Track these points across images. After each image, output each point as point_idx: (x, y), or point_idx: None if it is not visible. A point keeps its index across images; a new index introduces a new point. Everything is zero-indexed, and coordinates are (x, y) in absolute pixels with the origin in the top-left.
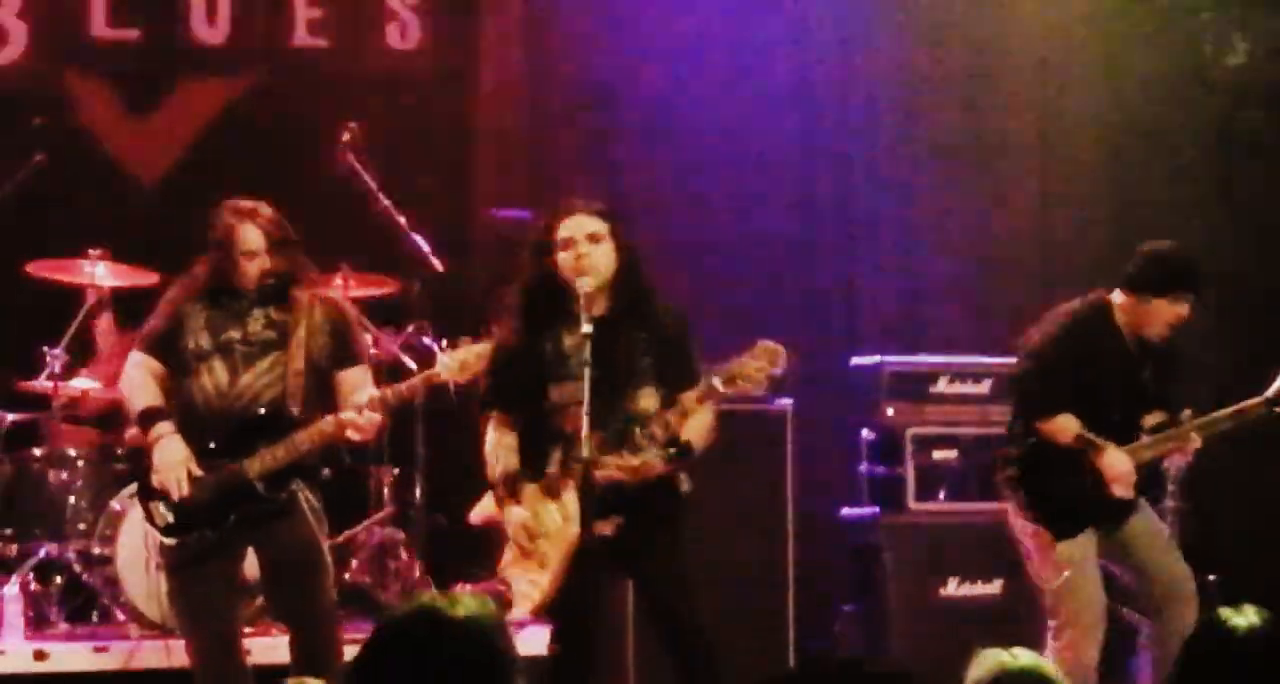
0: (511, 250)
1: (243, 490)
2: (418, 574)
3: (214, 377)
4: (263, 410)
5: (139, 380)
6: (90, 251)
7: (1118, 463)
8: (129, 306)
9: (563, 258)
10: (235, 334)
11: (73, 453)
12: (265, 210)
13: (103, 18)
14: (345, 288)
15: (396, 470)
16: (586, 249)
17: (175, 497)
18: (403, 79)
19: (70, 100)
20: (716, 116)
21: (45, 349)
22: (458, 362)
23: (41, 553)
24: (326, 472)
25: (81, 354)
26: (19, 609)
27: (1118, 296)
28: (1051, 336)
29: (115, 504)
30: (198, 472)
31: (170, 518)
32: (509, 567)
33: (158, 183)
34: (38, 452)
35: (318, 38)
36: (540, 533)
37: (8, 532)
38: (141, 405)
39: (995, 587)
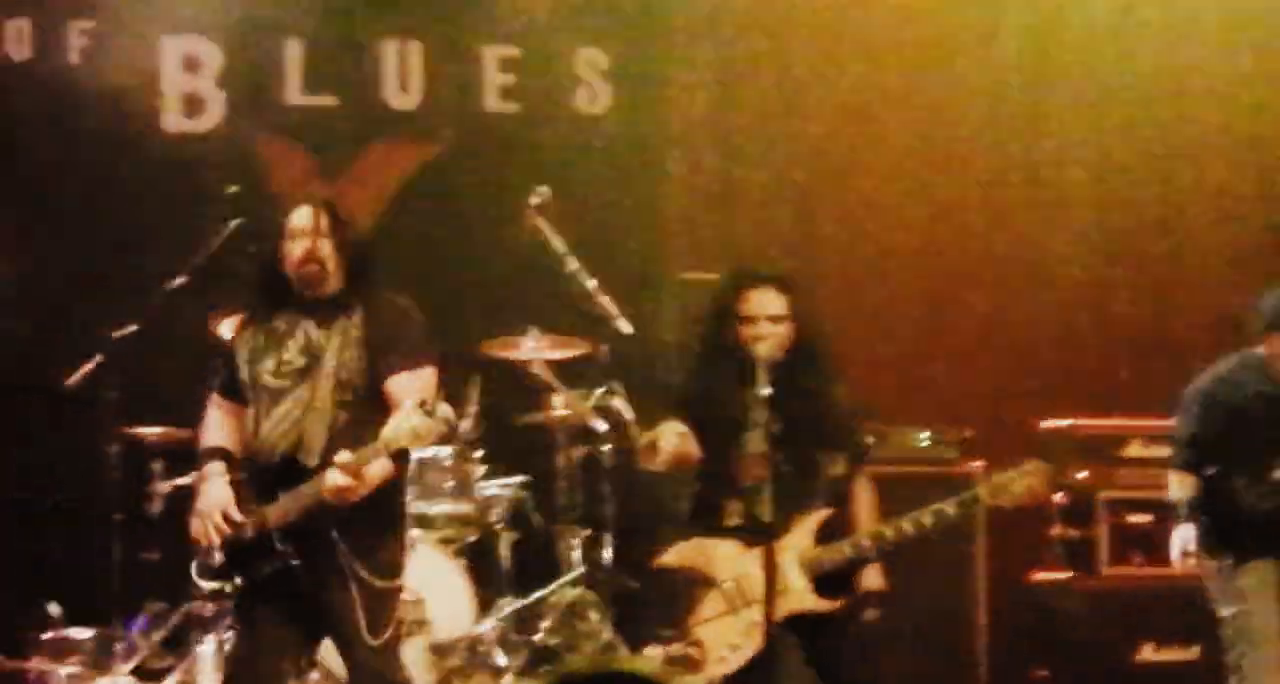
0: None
1: (266, 543)
2: (607, 635)
3: (246, 422)
4: (277, 461)
5: (209, 419)
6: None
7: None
8: None
9: (743, 332)
10: (270, 364)
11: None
12: (324, 194)
13: (298, 85)
14: (535, 350)
15: (586, 531)
16: (767, 330)
17: (202, 541)
18: (593, 143)
19: (264, 167)
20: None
21: None
22: (409, 427)
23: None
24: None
25: None
26: (215, 667)
27: (1268, 346)
28: (1196, 386)
29: None
30: (236, 517)
31: (212, 562)
32: (704, 625)
33: None
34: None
35: (508, 103)
36: (755, 598)
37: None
38: (204, 445)
39: (1192, 652)
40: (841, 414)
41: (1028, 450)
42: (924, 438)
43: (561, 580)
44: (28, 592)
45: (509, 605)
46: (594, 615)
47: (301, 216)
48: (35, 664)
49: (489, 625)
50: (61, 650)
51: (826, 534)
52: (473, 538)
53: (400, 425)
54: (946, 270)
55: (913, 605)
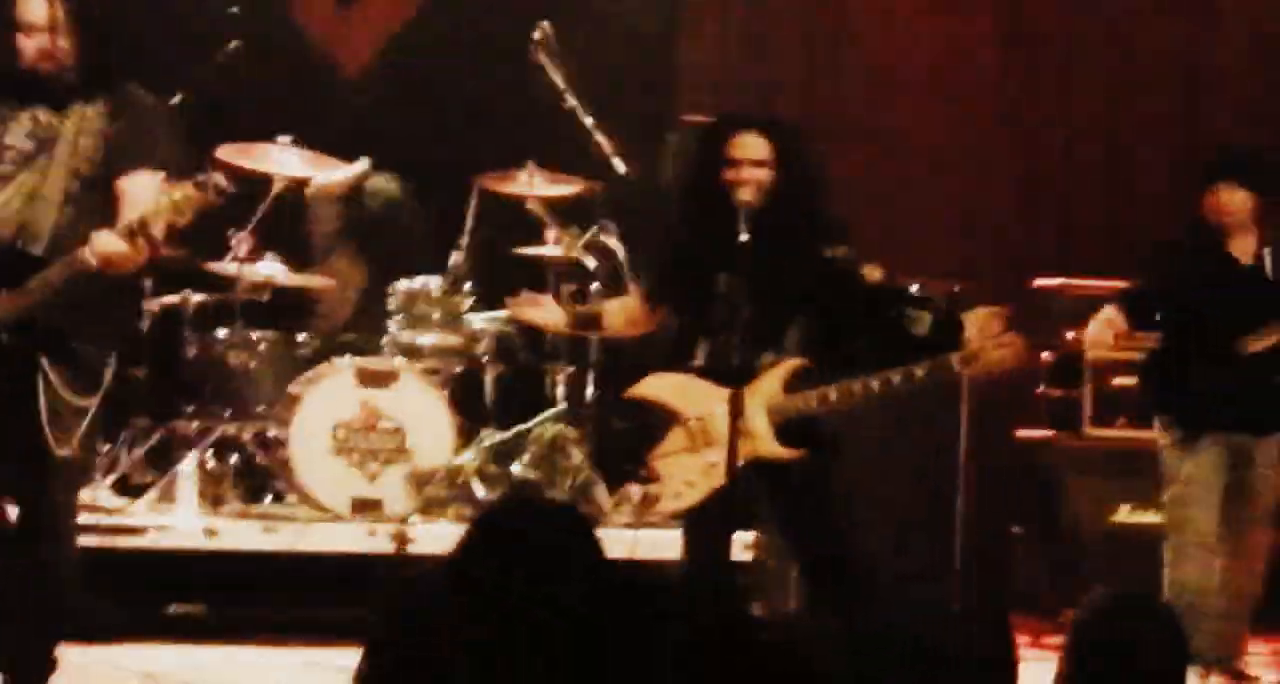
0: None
1: None
2: (586, 472)
3: None
4: None
5: None
6: (280, 138)
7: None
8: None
9: (726, 175)
10: None
11: (255, 336)
12: None
13: None
14: (531, 185)
15: (571, 369)
16: (749, 174)
17: None
18: None
19: None
20: None
21: (231, 233)
22: (167, 200)
23: (220, 432)
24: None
25: (267, 240)
26: (194, 486)
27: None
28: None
29: (293, 388)
30: None
31: None
32: (667, 458)
33: (358, 74)
34: (221, 333)
35: None
36: (717, 439)
37: (189, 410)
38: None
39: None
40: (826, 262)
41: (1018, 310)
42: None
43: (543, 416)
44: None
45: (490, 438)
46: (574, 451)
47: (35, 8)
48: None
49: (469, 456)
50: None
51: (797, 384)
52: (458, 370)
53: (165, 195)
54: (958, 125)
55: (892, 459)
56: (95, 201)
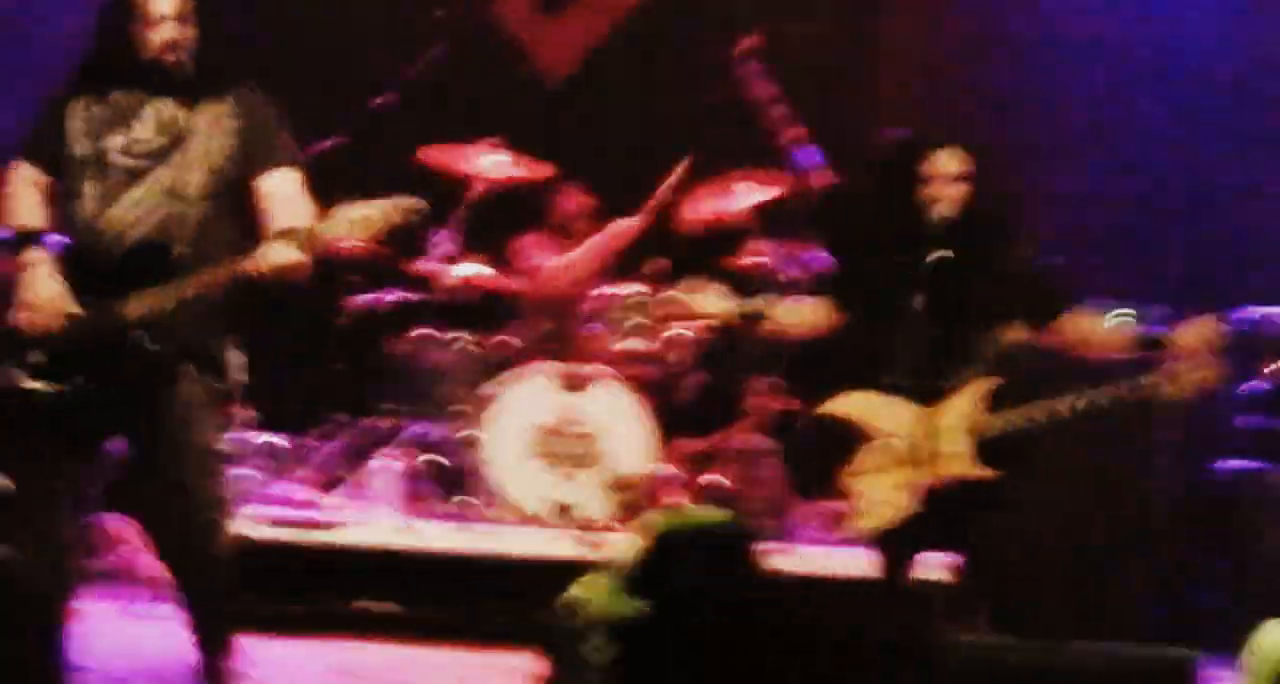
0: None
1: (120, 339)
2: (780, 485)
3: (84, 201)
4: (127, 249)
5: (17, 193)
6: (483, 141)
7: None
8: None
9: (920, 191)
10: (117, 141)
11: (453, 336)
12: None
13: None
14: (734, 194)
15: (769, 378)
16: (943, 190)
17: (38, 333)
18: None
19: None
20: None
21: (431, 234)
22: (357, 218)
23: (415, 430)
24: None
25: (467, 241)
26: (388, 483)
27: None
28: None
29: (490, 389)
30: (73, 310)
31: (38, 359)
32: (860, 476)
33: (562, 81)
34: (419, 332)
35: None
36: (911, 458)
37: (386, 407)
38: (14, 224)
39: None
40: (1022, 278)
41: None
42: (1120, 315)
43: (739, 425)
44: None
45: (685, 446)
46: (770, 462)
47: (162, 0)
48: None
49: (663, 463)
50: (244, 454)
51: (995, 401)
52: (656, 376)
53: (348, 212)
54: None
55: (1084, 483)
56: (232, 200)
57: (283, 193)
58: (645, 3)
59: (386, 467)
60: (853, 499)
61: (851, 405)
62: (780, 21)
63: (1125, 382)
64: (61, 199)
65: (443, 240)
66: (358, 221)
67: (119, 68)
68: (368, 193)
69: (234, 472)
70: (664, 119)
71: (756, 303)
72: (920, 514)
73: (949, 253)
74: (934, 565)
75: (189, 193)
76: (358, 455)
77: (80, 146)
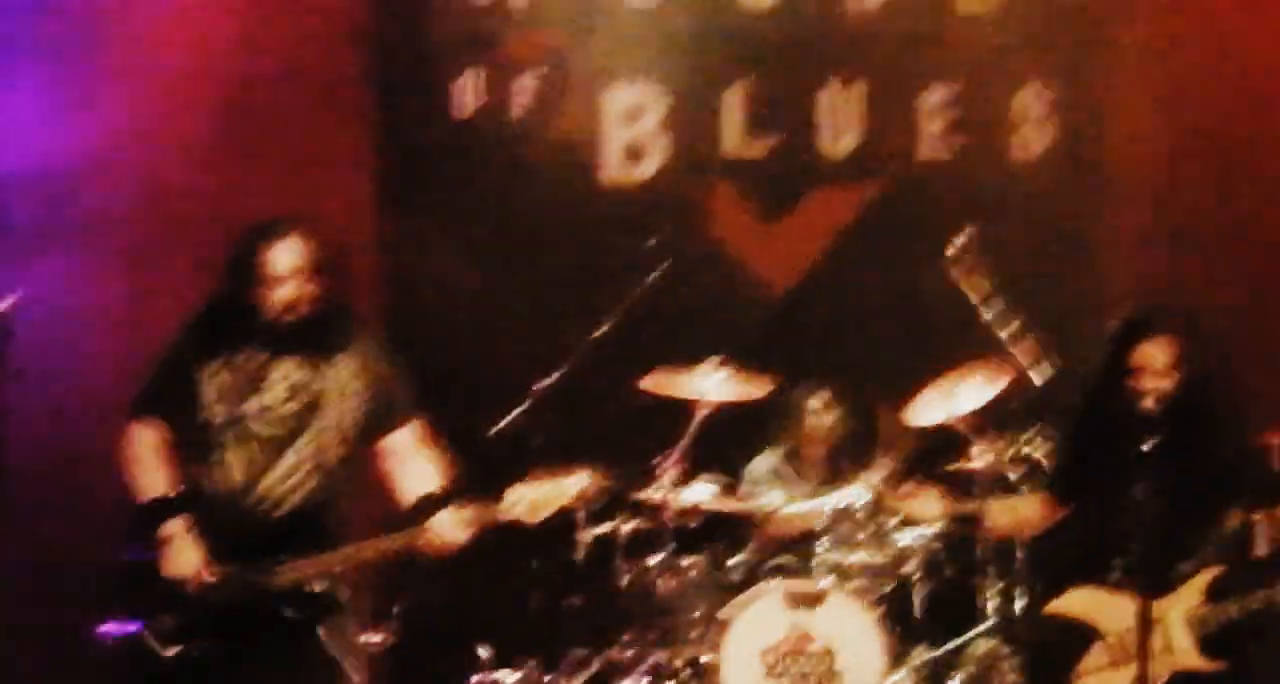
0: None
1: (263, 605)
2: None
3: (228, 470)
4: (279, 517)
5: (143, 458)
6: (708, 361)
7: None
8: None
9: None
10: (253, 407)
11: (685, 562)
12: (299, 225)
13: (738, 131)
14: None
15: (1001, 582)
16: (1152, 383)
17: (181, 598)
18: (1028, 188)
19: (703, 212)
20: None
21: (658, 460)
22: (529, 500)
23: (653, 660)
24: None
25: (692, 465)
26: None
27: None
28: None
29: (723, 614)
30: (212, 579)
31: (172, 622)
32: (1090, 676)
33: (787, 291)
34: (652, 561)
35: (943, 147)
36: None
37: (625, 638)
38: (149, 493)
39: None
40: (1240, 462)
41: None
42: None
43: (974, 632)
44: (461, 635)
45: (921, 657)
46: (1007, 668)
47: (284, 259)
48: None
49: (901, 677)
50: None
51: (1218, 591)
52: (887, 588)
53: (527, 494)
54: None
55: None
56: (352, 464)
57: (408, 451)
58: (864, 209)
59: None
60: None
61: (1076, 603)
62: (1000, 212)
63: None
64: (190, 460)
65: (670, 466)
66: (533, 503)
67: (241, 327)
68: (581, 430)
69: None
70: (877, 325)
71: (971, 504)
72: None
73: (1151, 445)
74: None
75: (331, 462)
76: None
77: (216, 413)
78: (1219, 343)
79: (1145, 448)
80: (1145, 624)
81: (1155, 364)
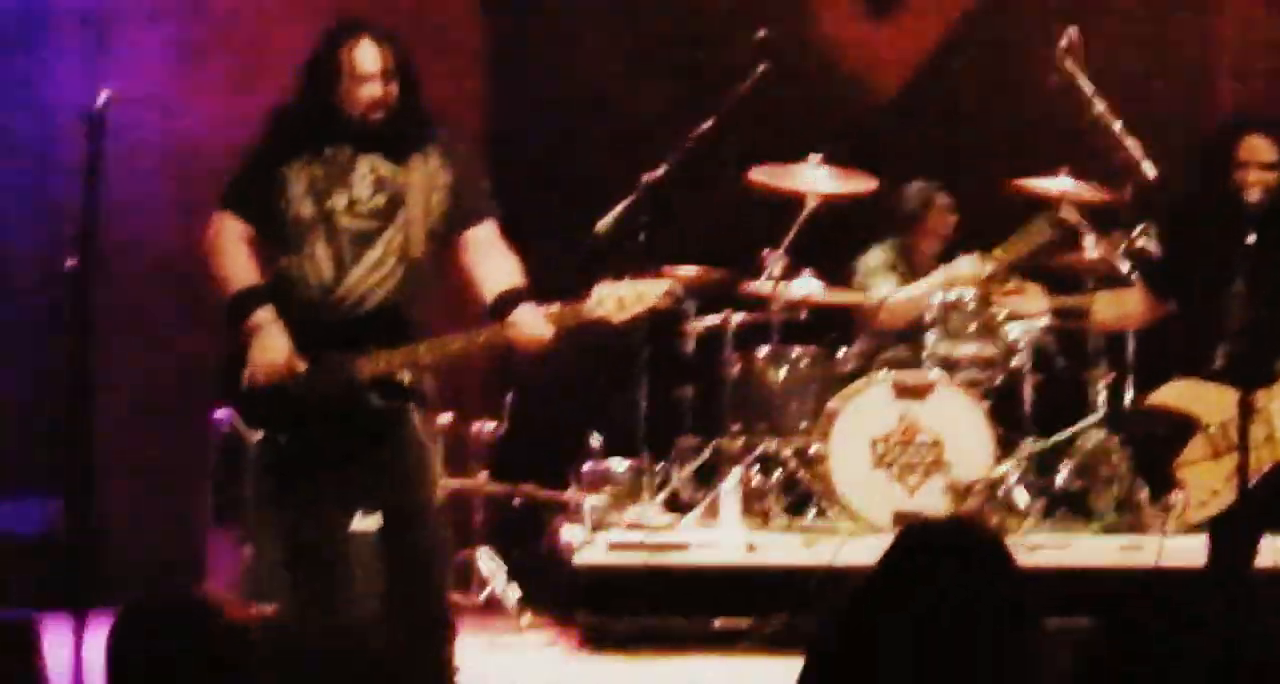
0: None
1: (350, 394)
2: (1129, 480)
3: (316, 263)
4: (372, 312)
5: (229, 250)
6: (810, 157)
7: None
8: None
9: (1235, 177)
10: (341, 202)
11: (794, 353)
12: (376, 29)
13: None
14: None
15: (1111, 374)
16: (1257, 176)
17: (270, 389)
18: None
19: (810, 8)
20: None
21: (765, 253)
22: (614, 299)
23: (762, 449)
24: None
25: (799, 258)
26: (737, 503)
27: None
28: None
29: (832, 404)
30: (300, 368)
31: (264, 409)
32: (1190, 466)
33: (893, 92)
34: (761, 352)
35: None
36: (1249, 444)
37: (735, 428)
38: (234, 286)
39: None
40: None
41: None
42: None
43: (1083, 423)
44: (574, 424)
45: (1030, 448)
46: (1116, 459)
47: (368, 58)
48: (569, 494)
49: (1009, 467)
50: (597, 481)
51: None
52: (997, 381)
53: (613, 292)
54: None
55: None
56: (438, 258)
57: (489, 245)
58: (972, 9)
59: (735, 486)
60: (1184, 490)
61: (1176, 395)
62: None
63: None
64: (275, 255)
65: (777, 259)
66: (619, 301)
67: (327, 124)
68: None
69: (588, 499)
70: (986, 119)
71: (1075, 298)
72: (1257, 499)
73: (1254, 239)
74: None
75: (416, 254)
76: (709, 477)
77: (305, 207)
78: None
79: (1248, 241)
80: (1246, 414)
81: (1261, 156)
